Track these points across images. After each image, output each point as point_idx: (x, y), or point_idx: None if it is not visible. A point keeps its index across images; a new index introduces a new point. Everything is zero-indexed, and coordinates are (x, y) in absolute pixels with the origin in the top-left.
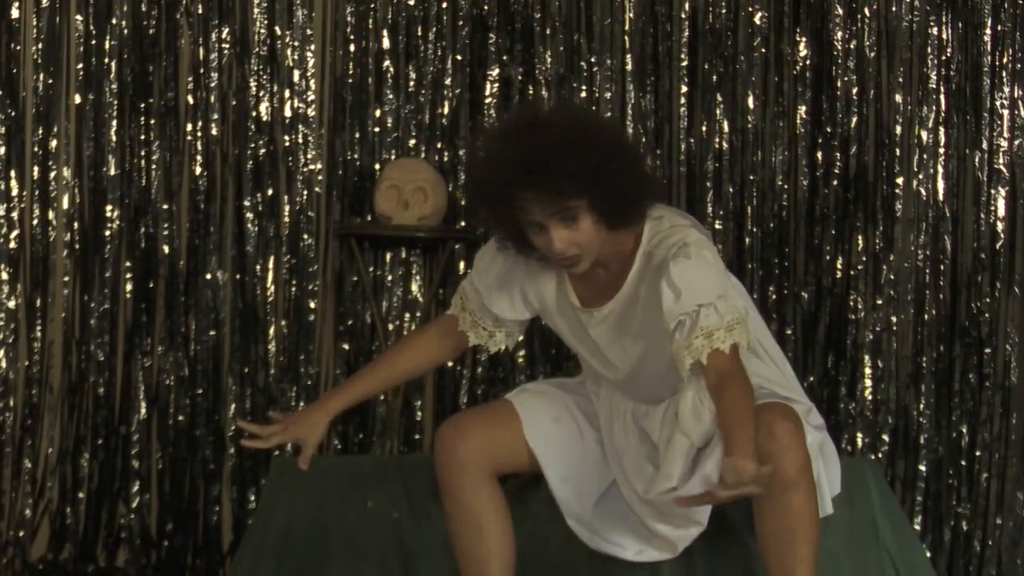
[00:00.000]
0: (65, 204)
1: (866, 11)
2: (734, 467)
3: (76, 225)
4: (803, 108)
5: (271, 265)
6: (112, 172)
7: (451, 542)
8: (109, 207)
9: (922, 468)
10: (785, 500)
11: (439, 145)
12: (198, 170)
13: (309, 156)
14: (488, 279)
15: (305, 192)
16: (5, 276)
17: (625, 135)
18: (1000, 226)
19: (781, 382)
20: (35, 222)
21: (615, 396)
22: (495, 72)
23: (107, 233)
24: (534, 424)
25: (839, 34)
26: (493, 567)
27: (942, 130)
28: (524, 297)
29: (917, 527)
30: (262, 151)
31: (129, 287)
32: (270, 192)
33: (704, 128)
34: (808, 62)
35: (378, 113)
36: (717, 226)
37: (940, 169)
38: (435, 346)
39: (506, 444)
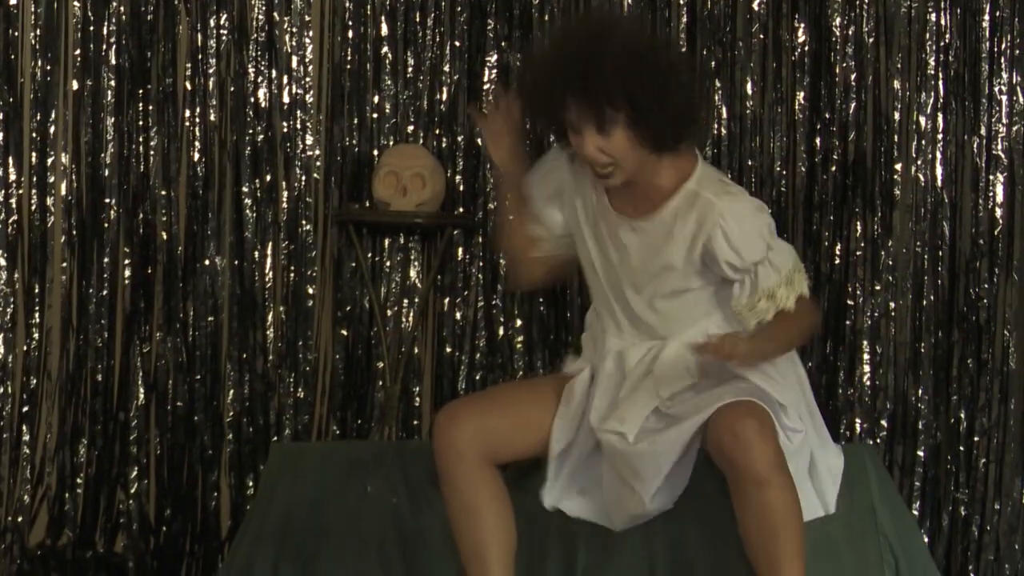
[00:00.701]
0: (63, 190)
1: None
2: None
3: (74, 211)
4: (801, 94)
5: (269, 251)
6: (110, 158)
7: (451, 527)
8: (107, 193)
9: (920, 454)
10: (761, 498)
11: (437, 131)
12: (196, 156)
13: (307, 142)
14: (538, 177)
15: (303, 178)
16: (3, 263)
17: (685, 60)
18: (999, 212)
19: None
20: (33, 208)
21: (612, 332)
22: (493, 58)
23: (105, 219)
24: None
25: (837, 20)
26: (491, 552)
27: (940, 116)
28: (565, 202)
29: (915, 513)
30: (260, 137)
31: (127, 273)
32: (268, 178)
33: (702, 114)
34: (806, 48)
35: (376, 99)
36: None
37: (939, 155)
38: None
39: (503, 431)
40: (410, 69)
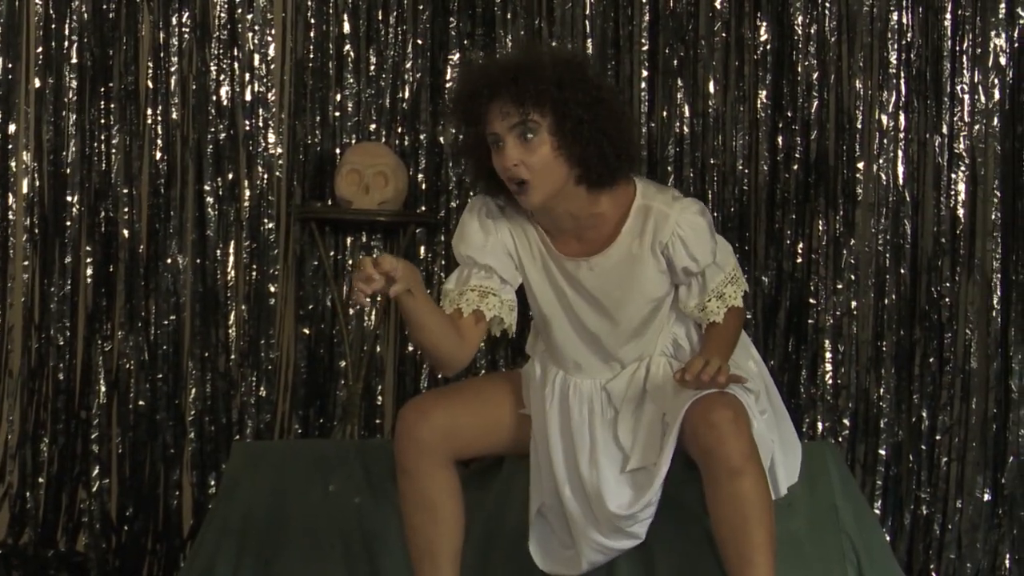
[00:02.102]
0: (25, 188)
1: None
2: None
3: (36, 210)
4: (764, 92)
5: (231, 249)
6: (72, 156)
7: (403, 519)
8: (69, 191)
9: (882, 452)
10: (733, 488)
11: (400, 129)
12: (158, 154)
13: (270, 140)
14: (473, 238)
15: (265, 176)
16: None
17: (614, 91)
18: (960, 211)
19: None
20: None
21: (574, 375)
22: (456, 56)
23: (67, 217)
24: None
25: (800, 18)
26: (444, 550)
27: (902, 115)
28: (508, 248)
29: (877, 511)
30: (222, 135)
31: (89, 271)
32: (230, 176)
33: (665, 112)
34: (769, 46)
35: (339, 97)
36: None
37: (901, 154)
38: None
39: (469, 427)
40: (372, 67)
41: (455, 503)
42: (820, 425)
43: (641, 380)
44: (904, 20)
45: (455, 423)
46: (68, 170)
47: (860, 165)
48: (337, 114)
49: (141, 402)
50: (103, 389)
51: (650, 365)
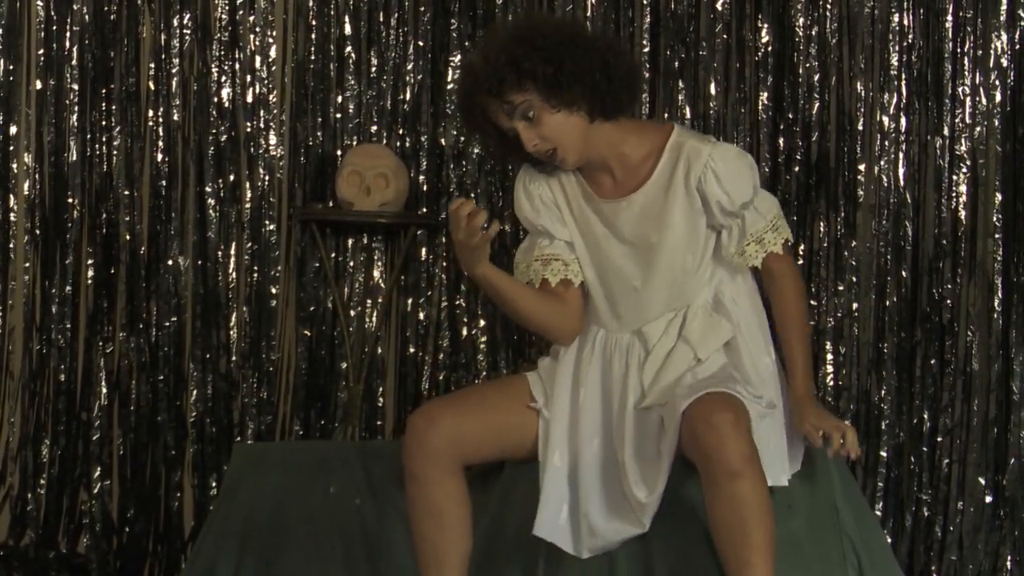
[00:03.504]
0: (26, 190)
1: None
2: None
3: (37, 211)
4: (765, 94)
5: (232, 251)
6: (73, 158)
7: (411, 527)
8: (70, 193)
9: (883, 454)
10: (732, 490)
11: (401, 131)
12: (159, 156)
13: (271, 142)
14: (522, 204)
15: (267, 178)
16: None
17: (579, 27)
18: (962, 212)
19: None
20: None
21: (614, 330)
22: (457, 58)
23: (68, 219)
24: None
25: (801, 20)
26: (451, 557)
27: (904, 116)
28: (553, 203)
29: (878, 512)
30: (223, 137)
31: (90, 273)
32: (232, 178)
33: (666, 114)
34: (770, 48)
35: (340, 99)
36: None
37: (902, 155)
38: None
39: (476, 435)
40: (374, 68)
41: (463, 510)
42: None
43: (677, 327)
44: (905, 22)
45: (463, 430)
46: (69, 171)
47: (861, 167)
48: (338, 116)
49: (142, 403)
50: (104, 391)
51: (687, 314)
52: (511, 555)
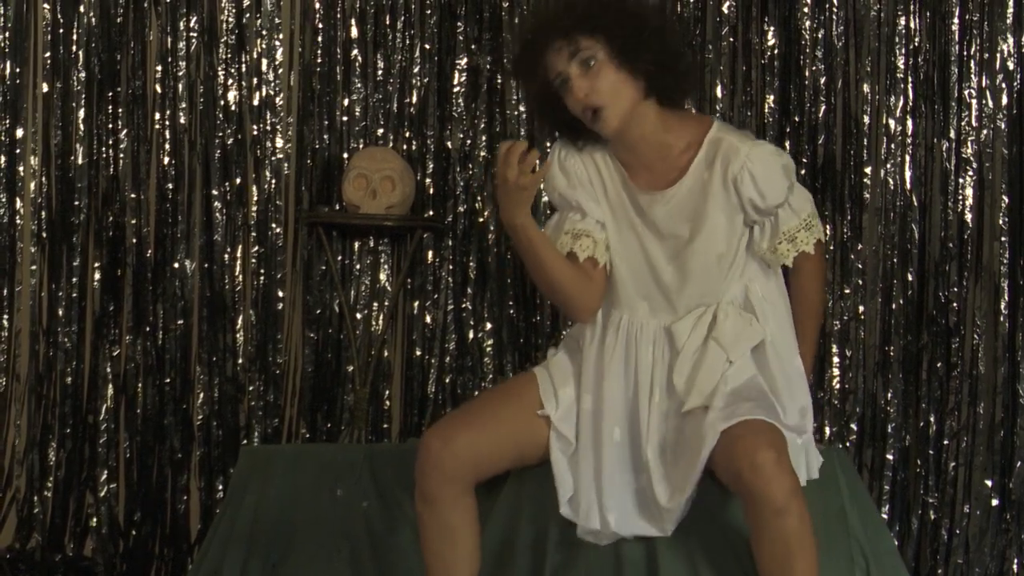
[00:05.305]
0: (32, 192)
1: (834, 0)
2: None
3: (44, 214)
4: (771, 97)
5: (239, 254)
6: (80, 161)
7: (422, 544)
8: (76, 196)
9: (890, 457)
10: (778, 525)
11: (407, 134)
12: (166, 159)
13: (277, 145)
14: (556, 180)
15: (273, 181)
16: None
17: (664, 10)
18: (968, 215)
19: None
20: (2, 211)
21: (641, 315)
22: (463, 61)
23: (75, 222)
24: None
25: (807, 23)
26: (462, 572)
27: (910, 119)
28: (589, 182)
29: (885, 516)
30: (230, 140)
31: (97, 276)
32: (238, 181)
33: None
34: (776, 51)
35: (346, 102)
36: None
37: (908, 158)
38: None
39: (492, 451)
40: (380, 72)
41: (475, 529)
42: (828, 430)
43: (706, 325)
44: (912, 25)
45: (479, 450)
46: (76, 174)
47: (867, 169)
48: (344, 119)
49: (148, 406)
50: (111, 393)
51: (717, 312)
52: (521, 564)
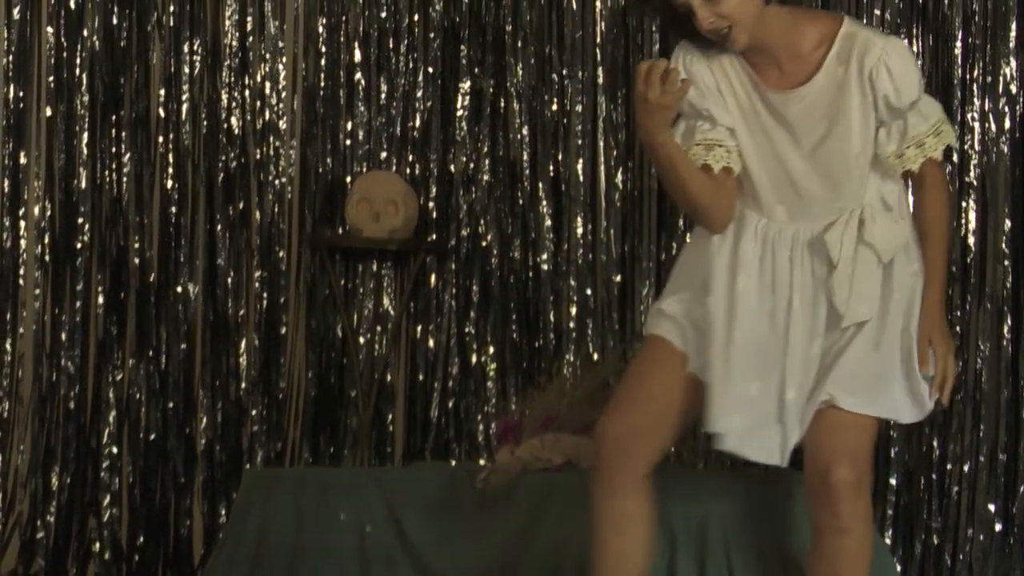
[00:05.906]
0: (36, 216)
1: None
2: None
3: (47, 237)
4: None
5: (243, 277)
6: (83, 184)
7: (591, 537)
8: (80, 219)
9: (893, 481)
10: (838, 543)
11: (410, 157)
12: (169, 182)
13: (280, 168)
14: (690, 88)
15: (276, 204)
16: None
17: None
18: (971, 239)
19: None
20: (5, 234)
21: (779, 220)
22: (466, 84)
23: (78, 245)
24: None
25: None
26: (638, 569)
27: None
28: (715, 87)
29: (888, 540)
30: (233, 163)
31: (100, 299)
32: (241, 204)
33: None
34: None
35: (349, 125)
36: (688, 237)
37: (911, 180)
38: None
39: (663, 432)
40: (383, 95)
41: (650, 518)
42: None
43: (855, 231)
44: (914, 47)
45: (659, 446)
46: (79, 197)
47: None
48: (348, 142)
49: (152, 430)
50: (114, 417)
51: (863, 215)
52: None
